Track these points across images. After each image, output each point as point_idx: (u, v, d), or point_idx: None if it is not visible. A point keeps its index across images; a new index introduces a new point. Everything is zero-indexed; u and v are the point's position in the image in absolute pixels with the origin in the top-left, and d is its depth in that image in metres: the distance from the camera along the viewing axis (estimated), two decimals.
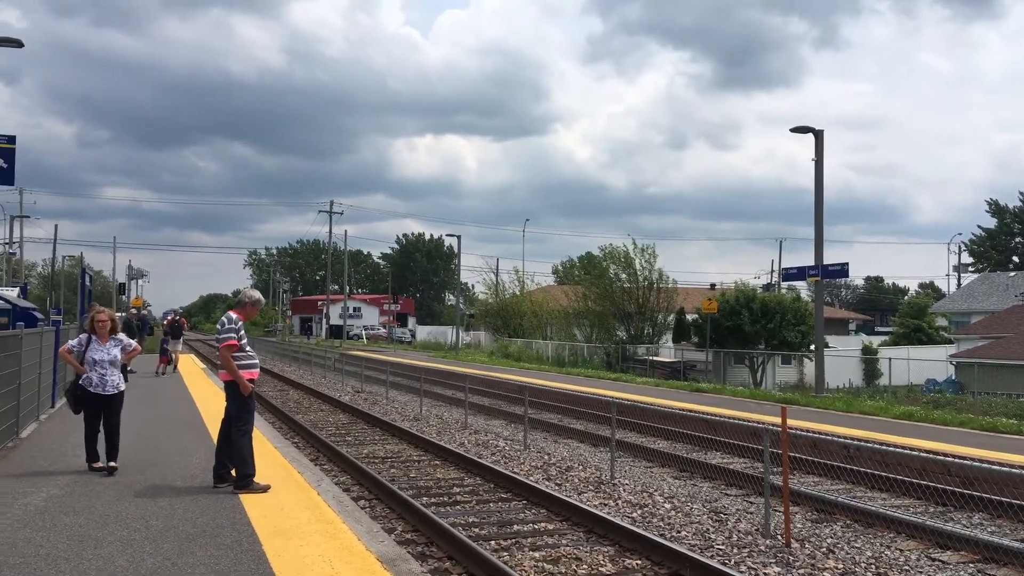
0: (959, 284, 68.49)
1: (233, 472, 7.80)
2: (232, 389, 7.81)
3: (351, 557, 5.72)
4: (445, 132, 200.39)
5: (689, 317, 45.15)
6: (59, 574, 5.24)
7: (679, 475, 11.94)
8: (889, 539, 8.21)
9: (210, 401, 15.71)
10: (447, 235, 76.38)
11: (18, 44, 17.87)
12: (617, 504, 9.45)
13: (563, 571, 6.89)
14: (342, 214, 68.77)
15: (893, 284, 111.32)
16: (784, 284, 61.15)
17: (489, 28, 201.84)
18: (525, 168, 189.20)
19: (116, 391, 8.52)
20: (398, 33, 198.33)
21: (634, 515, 8.91)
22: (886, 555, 7.61)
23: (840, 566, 7.14)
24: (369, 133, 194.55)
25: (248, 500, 7.34)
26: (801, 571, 6.98)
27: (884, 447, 9.25)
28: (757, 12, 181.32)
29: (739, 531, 8.20)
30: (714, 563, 6.75)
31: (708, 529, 8.30)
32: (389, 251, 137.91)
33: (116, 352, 8.59)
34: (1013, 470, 7.15)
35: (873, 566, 7.24)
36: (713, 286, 59.69)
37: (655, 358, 40.93)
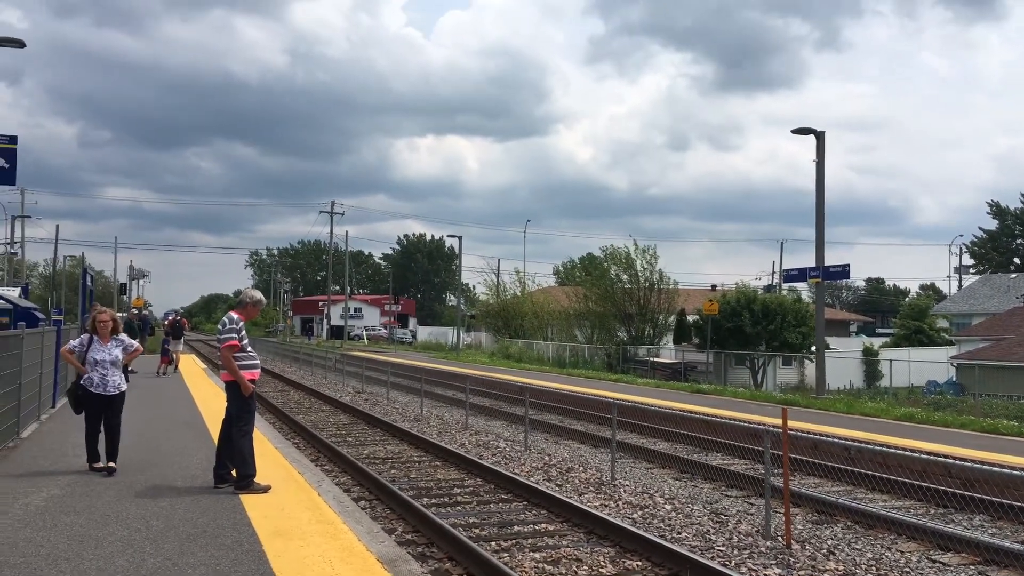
0: (960, 286, 68.51)
1: (234, 472, 7.80)
2: (233, 389, 7.82)
3: (351, 558, 5.72)
4: (447, 133, 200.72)
5: (690, 318, 45.12)
6: (60, 574, 5.24)
7: (680, 476, 11.94)
8: (890, 541, 8.21)
9: (211, 401, 15.71)
10: (448, 236, 76.26)
11: (20, 44, 17.86)
12: (618, 505, 9.44)
13: (563, 572, 6.88)
14: (343, 215, 68.77)
15: (894, 286, 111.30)
16: (785, 285, 61.13)
17: (491, 29, 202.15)
18: (527, 169, 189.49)
19: (117, 391, 8.52)
20: (400, 34, 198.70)
21: (635, 516, 8.91)
22: (887, 557, 7.61)
23: (841, 568, 7.14)
24: (370, 134, 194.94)
25: (249, 500, 7.34)
26: (802, 573, 6.98)
27: (885, 449, 9.24)
28: (758, 13, 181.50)
29: (740, 532, 8.20)
30: (715, 564, 6.74)
31: (709, 530, 8.30)
32: (390, 252, 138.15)
33: (117, 352, 8.59)
34: (1014, 472, 7.14)
35: (874, 568, 7.23)
36: (714, 287, 59.67)
37: (656, 359, 40.92)
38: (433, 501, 9.52)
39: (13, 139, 16.56)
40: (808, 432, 13.35)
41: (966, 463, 8.35)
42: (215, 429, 9.05)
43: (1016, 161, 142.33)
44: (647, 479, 11.60)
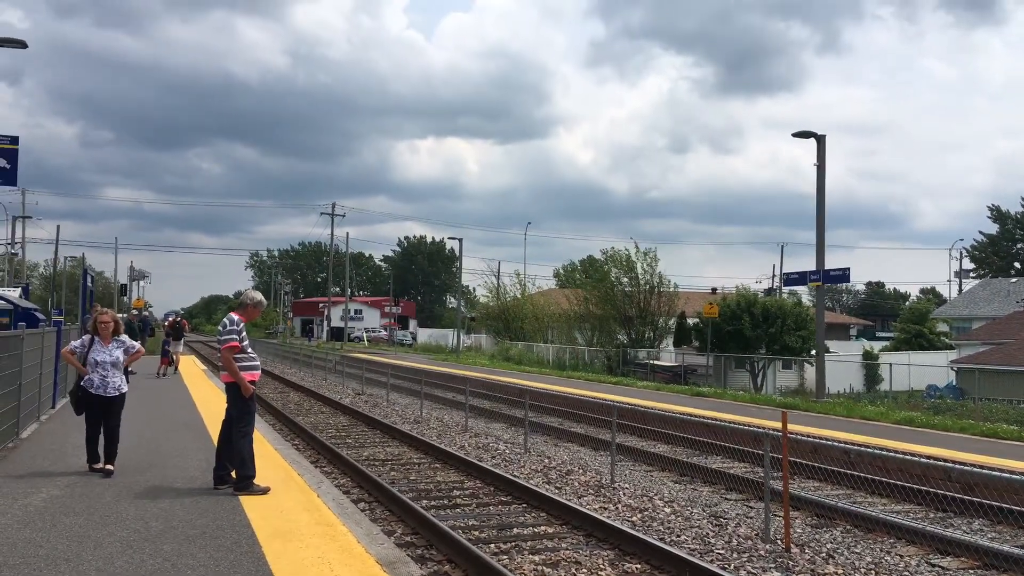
0: (960, 290, 68.50)
1: (233, 474, 7.80)
2: (233, 390, 7.82)
3: (351, 559, 5.73)
4: (447, 135, 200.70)
5: (690, 321, 45.15)
6: (59, 575, 5.24)
7: (679, 479, 11.93)
8: (889, 544, 8.20)
9: (211, 402, 15.71)
10: (449, 238, 76.64)
11: (22, 45, 17.87)
12: (617, 508, 9.44)
13: (563, 575, 6.88)
14: (344, 216, 68.77)
15: (894, 289, 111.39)
16: (785, 289, 61.06)
17: (492, 31, 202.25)
18: (527, 171, 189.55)
19: (117, 393, 8.52)
20: (401, 36, 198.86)
21: (634, 519, 8.91)
22: (886, 560, 7.60)
23: (840, 571, 7.14)
24: (371, 135, 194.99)
25: (248, 502, 7.35)
26: None
27: (884, 452, 9.25)
28: (760, 17, 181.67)
29: (739, 536, 8.20)
30: (714, 568, 6.74)
31: (708, 533, 8.30)
32: (390, 253, 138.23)
33: (118, 354, 8.59)
34: (1014, 476, 7.14)
35: (873, 571, 7.24)
36: (714, 290, 59.68)
37: (656, 362, 40.93)
38: (432, 503, 9.52)
39: (14, 140, 16.59)
40: (808, 436, 13.35)
41: (966, 467, 8.36)
42: (215, 430, 9.05)
43: (1017, 165, 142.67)
44: (647, 482, 11.59)
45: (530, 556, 7.37)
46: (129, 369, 9.25)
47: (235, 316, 7.88)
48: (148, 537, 6.12)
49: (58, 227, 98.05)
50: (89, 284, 27.56)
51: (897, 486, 10.58)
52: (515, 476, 10.95)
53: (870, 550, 7.95)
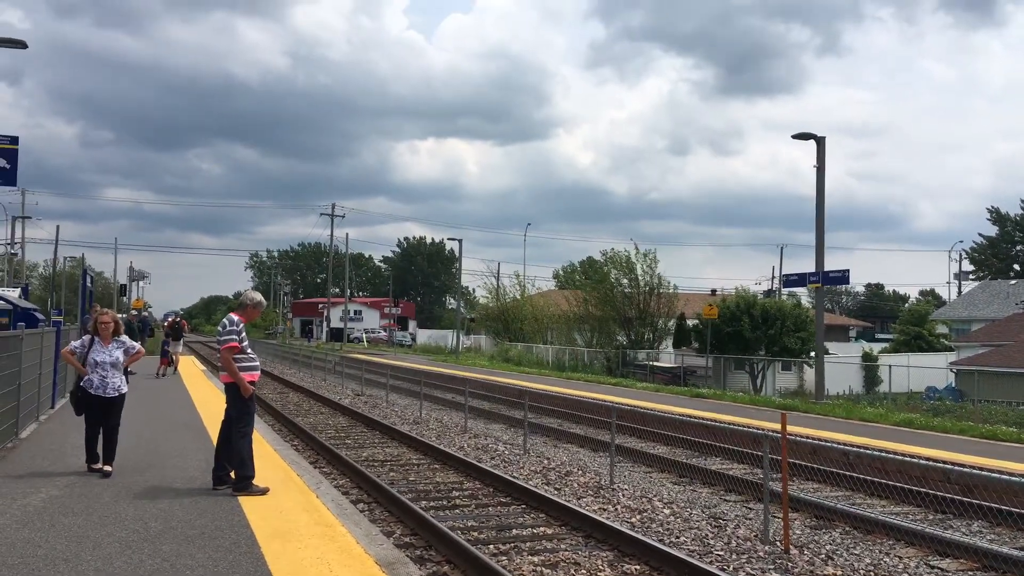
0: (960, 292, 68.52)
1: (232, 474, 7.80)
2: (232, 391, 7.82)
3: (350, 560, 5.72)
4: (447, 136, 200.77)
5: (690, 322, 45.17)
6: (57, 575, 5.24)
7: (678, 480, 11.93)
8: (888, 546, 8.20)
9: (210, 403, 15.71)
10: (448, 239, 76.73)
11: (22, 45, 17.86)
12: (616, 509, 9.44)
13: None
14: (343, 217, 68.87)
15: (894, 291, 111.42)
16: (785, 290, 61.08)
17: (492, 32, 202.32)
18: (527, 172, 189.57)
19: (117, 394, 8.51)
20: (401, 37, 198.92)
21: (633, 520, 8.91)
22: (885, 562, 7.61)
23: (839, 573, 7.14)
24: (371, 136, 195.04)
25: (247, 502, 7.34)
26: None
27: (884, 454, 9.24)
28: (759, 19, 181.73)
29: (738, 537, 8.20)
30: (713, 569, 6.74)
31: (707, 535, 8.30)
32: (390, 254, 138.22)
33: (118, 354, 8.58)
34: (1013, 478, 7.14)
35: (872, 573, 7.24)
36: (714, 292, 59.73)
37: (655, 363, 40.95)
38: (432, 504, 9.52)
39: (14, 140, 16.59)
40: (807, 437, 13.35)
41: (965, 469, 8.36)
42: (214, 431, 9.05)
43: (1016, 167, 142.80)
44: (646, 483, 11.59)
45: (529, 557, 7.37)
46: (128, 369, 9.24)
47: (235, 316, 7.88)
48: (147, 537, 6.11)
49: (58, 227, 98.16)
50: (88, 284, 27.57)
51: (896, 488, 10.59)
52: (514, 477, 10.95)
53: (869, 551, 7.95)
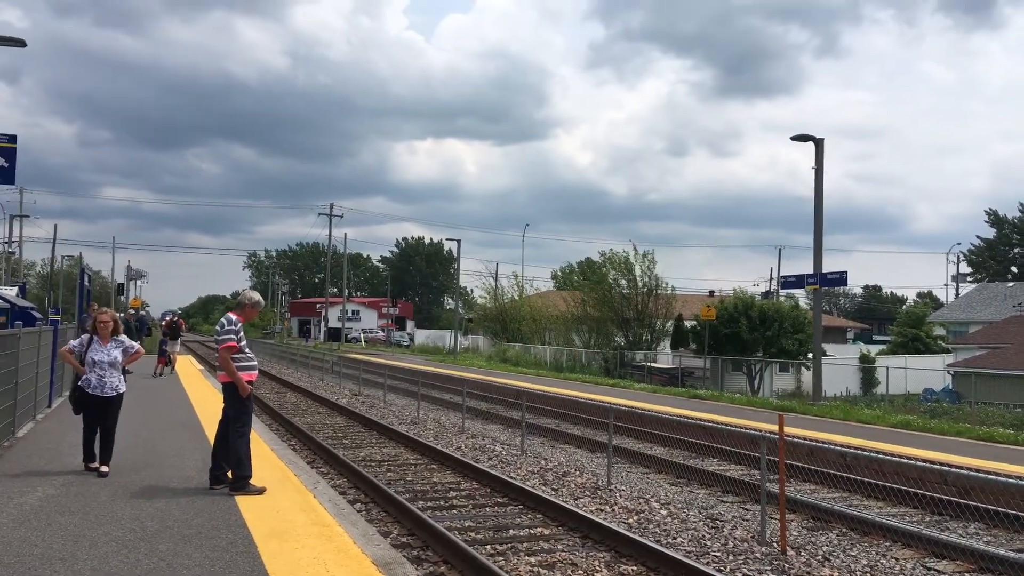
0: (957, 294, 68.58)
1: (229, 474, 7.80)
2: (230, 391, 7.81)
3: (346, 560, 5.72)
4: (446, 136, 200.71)
5: (687, 324, 45.20)
6: (54, 574, 5.23)
7: (676, 481, 11.94)
8: (885, 548, 8.21)
9: (207, 402, 15.69)
10: (447, 239, 76.72)
11: (21, 44, 17.82)
12: (613, 510, 9.44)
13: None
14: (342, 217, 68.95)
15: (891, 293, 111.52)
16: (783, 292, 61.15)
17: (491, 33, 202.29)
18: (526, 173, 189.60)
19: (115, 393, 8.50)
20: (401, 37, 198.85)
21: (630, 521, 8.91)
22: (882, 563, 7.61)
23: (836, 574, 7.15)
24: (370, 136, 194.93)
25: (244, 502, 7.34)
26: None
27: (881, 456, 9.25)
28: (758, 20, 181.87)
29: (735, 538, 8.20)
30: (710, 570, 6.75)
31: (704, 536, 8.30)
32: (388, 254, 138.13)
33: (117, 354, 8.57)
34: (1010, 480, 7.15)
35: (869, 574, 7.24)
36: (712, 293, 59.77)
37: (653, 364, 40.96)
38: (429, 504, 9.52)
39: (12, 138, 16.55)
40: (804, 438, 13.37)
41: (962, 471, 8.37)
42: (211, 430, 9.04)
43: (1015, 169, 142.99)
44: (643, 484, 11.60)
45: (526, 557, 7.37)
46: (126, 368, 9.23)
47: (233, 316, 7.87)
48: (144, 537, 6.11)
49: (55, 226, 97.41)
50: (86, 283, 27.53)
51: (893, 489, 10.60)
52: (512, 477, 10.95)
53: (866, 553, 7.96)
